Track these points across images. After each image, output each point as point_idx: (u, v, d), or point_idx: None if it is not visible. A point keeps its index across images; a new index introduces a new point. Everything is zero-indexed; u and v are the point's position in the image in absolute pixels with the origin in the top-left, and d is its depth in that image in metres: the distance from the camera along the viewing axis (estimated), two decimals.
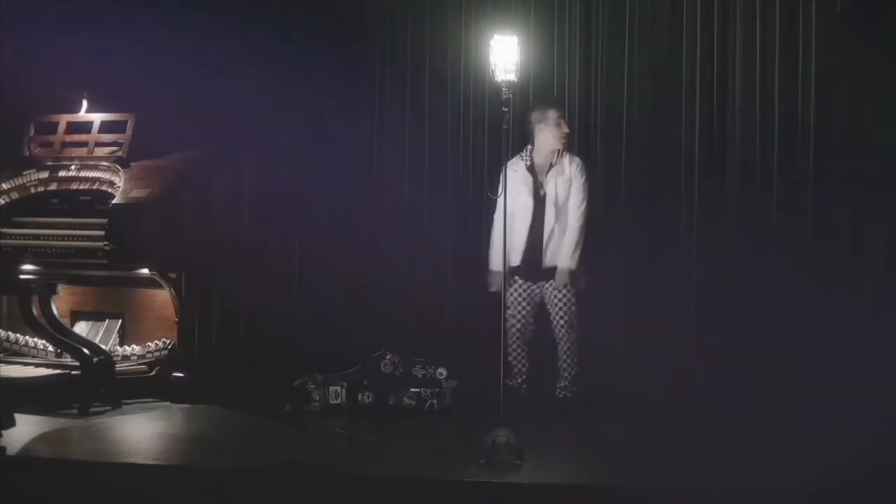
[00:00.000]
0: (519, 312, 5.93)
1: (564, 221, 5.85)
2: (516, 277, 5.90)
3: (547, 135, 5.90)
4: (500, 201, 5.53)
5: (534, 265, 5.88)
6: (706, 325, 6.24)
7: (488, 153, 6.54)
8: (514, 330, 5.92)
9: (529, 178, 5.89)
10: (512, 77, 5.27)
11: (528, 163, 5.92)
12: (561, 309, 5.87)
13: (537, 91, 6.53)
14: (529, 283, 5.92)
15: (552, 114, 5.92)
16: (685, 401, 5.82)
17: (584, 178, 5.88)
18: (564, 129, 5.92)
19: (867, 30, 6.07)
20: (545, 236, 5.86)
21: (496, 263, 5.74)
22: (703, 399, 5.81)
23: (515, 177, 5.78)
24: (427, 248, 6.74)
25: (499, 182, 5.55)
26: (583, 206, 5.85)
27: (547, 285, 5.90)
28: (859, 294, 5.90)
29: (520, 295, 5.92)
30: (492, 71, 5.31)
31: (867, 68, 6.06)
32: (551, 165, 5.89)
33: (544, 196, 5.87)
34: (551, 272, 5.87)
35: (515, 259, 5.86)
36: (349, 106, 6.77)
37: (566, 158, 5.92)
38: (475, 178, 6.64)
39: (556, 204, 5.84)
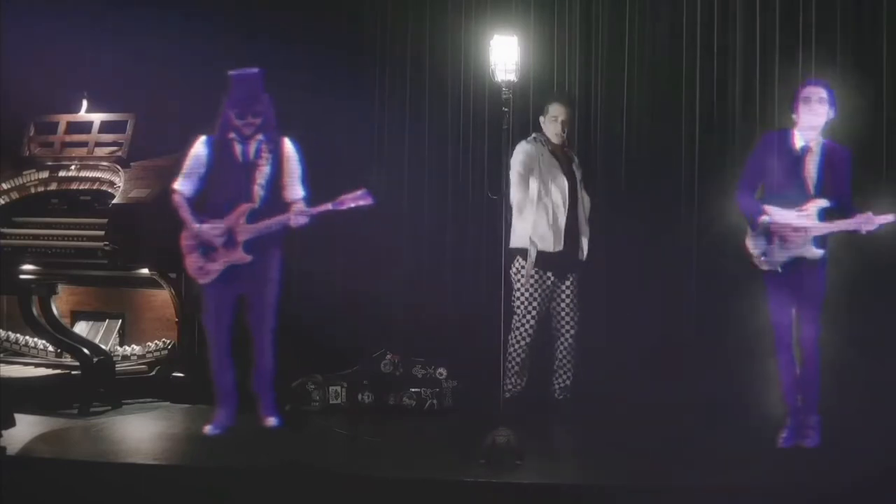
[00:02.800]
0: (534, 308, 5.74)
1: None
2: (522, 264, 5.72)
3: (548, 127, 5.87)
4: (533, 185, 5.59)
5: (561, 252, 5.72)
6: (706, 325, 6.24)
7: (488, 153, 6.54)
8: (528, 327, 5.73)
9: (555, 161, 5.81)
10: (512, 77, 5.26)
11: (550, 147, 5.85)
12: (569, 305, 5.80)
13: (537, 91, 6.53)
14: (541, 273, 5.74)
15: (551, 108, 5.87)
16: (684, 401, 5.82)
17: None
18: (558, 126, 5.84)
19: (867, 29, 6.07)
20: (581, 224, 5.81)
21: (543, 243, 5.67)
22: (703, 399, 5.81)
23: (544, 159, 5.73)
24: (427, 247, 6.73)
25: (509, 161, 5.61)
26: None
27: (554, 278, 5.77)
28: (857, 294, 5.90)
29: (535, 290, 5.75)
30: (492, 71, 5.30)
31: (867, 68, 6.06)
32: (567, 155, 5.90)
33: (575, 179, 5.84)
34: (573, 264, 5.80)
35: (550, 245, 5.67)
36: (349, 105, 6.77)
37: (573, 154, 5.95)
38: (475, 177, 6.64)
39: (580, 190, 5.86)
